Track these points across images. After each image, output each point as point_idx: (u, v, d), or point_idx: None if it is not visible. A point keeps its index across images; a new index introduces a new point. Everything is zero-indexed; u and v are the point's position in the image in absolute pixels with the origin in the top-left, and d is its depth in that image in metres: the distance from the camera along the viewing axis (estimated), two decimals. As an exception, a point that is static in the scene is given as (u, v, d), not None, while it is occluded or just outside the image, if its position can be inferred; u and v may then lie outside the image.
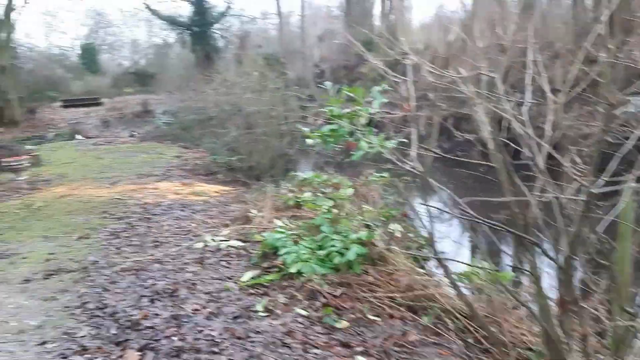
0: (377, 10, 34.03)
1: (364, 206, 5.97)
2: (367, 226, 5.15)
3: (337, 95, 4.86)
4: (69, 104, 31.22)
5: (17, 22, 27.92)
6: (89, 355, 3.45)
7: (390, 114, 5.16)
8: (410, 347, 3.63)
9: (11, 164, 11.19)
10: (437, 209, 3.94)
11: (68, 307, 4.26)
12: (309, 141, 6.82)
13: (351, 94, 4.80)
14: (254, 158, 11.13)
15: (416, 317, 4.07)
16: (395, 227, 5.21)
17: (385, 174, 5.68)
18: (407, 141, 5.00)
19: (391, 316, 4.10)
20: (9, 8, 25.85)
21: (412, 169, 3.42)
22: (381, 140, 4.70)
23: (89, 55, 48.35)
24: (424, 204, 3.89)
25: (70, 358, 3.41)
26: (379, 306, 4.22)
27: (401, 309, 4.19)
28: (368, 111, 4.75)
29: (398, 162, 3.63)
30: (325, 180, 5.61)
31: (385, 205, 6.60)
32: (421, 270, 5.05)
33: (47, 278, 4.92)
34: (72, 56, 54.26)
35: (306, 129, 5.29)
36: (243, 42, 33.66)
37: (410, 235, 6.37)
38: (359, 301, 4.26)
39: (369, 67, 28.22)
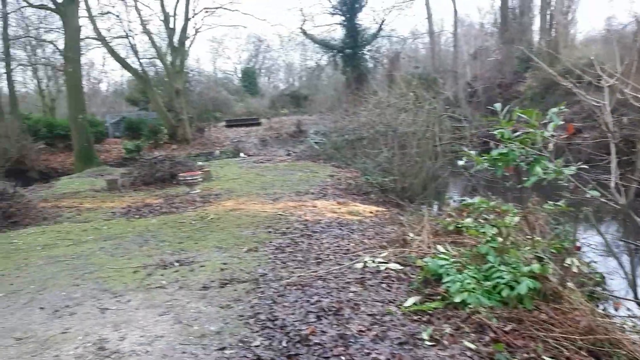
0: (536, 25, 32.12)
1: (534, 237, 5.59)
2: (539, 258, 4.80)
3: (507, 116, 4.66)
4: (232, 123, 33.94)
5: (189, 49, 31.08)
6: (264, 366, 3.63)
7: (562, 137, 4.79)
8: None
9: (187, 178, 12.40)
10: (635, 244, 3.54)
11: (242, 316, 4.55)
12: (460, 162, 6.59)
13: (524, 116, 4.57)
14: (407, 179, 11.07)
15: (600, 364, 3.68)
16: (573, 262, 4.79)
17: (562, 203, 5.27)
18: (587, 167, 4.62)
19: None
20: (183, 37, 28.95)
21: (608, 200, 3.11)
22: (559, 166, 4.39)
23: (249, 79, 52.38)
24: (624, 240, 3.53)
25: (247, 366, 3.63)
26: (555, 347, 3.89)
27: (581, 352, 3.82)
28: (543, 134, 4.48)
29: (595, 193, 3.32)
30: (492, 206, 5.36)
31: (555, 237, 6.12)
32: (601, 311, 4.59)
33: (222, 287, 5.32)
34: (234, 79, 59.27)
35: (472, 152, 5.14)
36: (393, 62, 33.90)
37: (584, 270, 5.85)
38: (532, 340, 3.97)
39: (527, 86, 26.82)
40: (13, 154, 22.46)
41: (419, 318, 4.39)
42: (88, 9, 25.90)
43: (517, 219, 5.62)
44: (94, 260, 6.67)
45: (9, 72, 27.50)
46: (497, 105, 4.82)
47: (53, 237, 8.23)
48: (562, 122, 4.52)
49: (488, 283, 4.67)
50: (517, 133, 4.62)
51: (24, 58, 33.70)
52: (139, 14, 29.00)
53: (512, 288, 4.46)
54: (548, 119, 4.53)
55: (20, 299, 5.35)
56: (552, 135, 4.51)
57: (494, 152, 4.70)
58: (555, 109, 4.54)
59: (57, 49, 28.31)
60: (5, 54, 27.24)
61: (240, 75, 57.39)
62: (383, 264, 5.76)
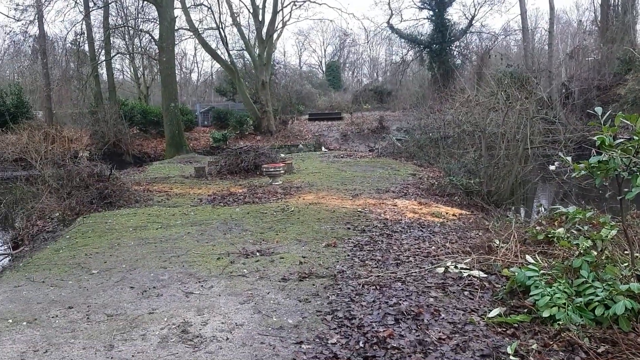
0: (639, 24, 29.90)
1: (634, 253, 5.17)
2: (639, 277, 4.44)
3: (608, 121, 4.33)
4: (314, 117, 34.30)
5: (276, 42, 31.68)
6: (340, 365, 3.61)
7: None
8: None
9: (269, 170, 12.67)
10: None
11: (320, 311, 4.56)
12: (552, 167, 6.20)
13: (627, 122, 4.23)
14: (493, 182, 10.64)
15: None
16: (678, 284, 4.38)
17: (667, 218, 4.84)
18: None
19: (670, 391, 3.44)
20: (271, 29, 29.54)
21: None
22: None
23: (333, 72, 52.73)
24: None
25: (324, 363, 3.62)
26: (655, 375, 3.58)
27: (684, 384, 3.48)
28: (648, 143, 4.12)
29: None
30: (589, 217, 5.02)
31: (658, 254, 5.64)
32: None
33: (301, 280, 5.37)
34: (318, 73, 59.89)
35: (568, 158, 4.83)
36: (483, 59, 32.77)
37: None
38: (629, 365, 3.67)
39: (628, 89, 25.01)
40: (110, 138, 23.98)
41: (504, 331, 4.19)
42: (182, 1, 27.07)
43: (614, 232, 5.23)
44: (180, 244, 6.96)
45: (108, 60, 29.34)
46: (598, 109, 4.49)
47: (144, 219, 8.69)
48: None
49: (580, 299, 4.37)
50: (619, 140, 4.28)
51: (122, 47, 35.91)
52: (230, 6, 29.98)
53: (607, 307, 4.15)
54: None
55: (112, 277, 5.67)
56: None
57: (593, 160, 4.39)
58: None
59: (153, 38, 29.88)
60: (105, 42, 29.07)
61: (324, 69, 57.91)
62: (466, 270, 5.57)
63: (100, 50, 30.14)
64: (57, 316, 4.57)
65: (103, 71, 31.81)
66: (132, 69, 39.82)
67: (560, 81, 29.05)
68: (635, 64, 25.33)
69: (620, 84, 25.86)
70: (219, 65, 33.81)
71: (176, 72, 26.12)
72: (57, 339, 4.08)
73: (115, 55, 32.92)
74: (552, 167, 5.84)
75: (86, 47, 29.90)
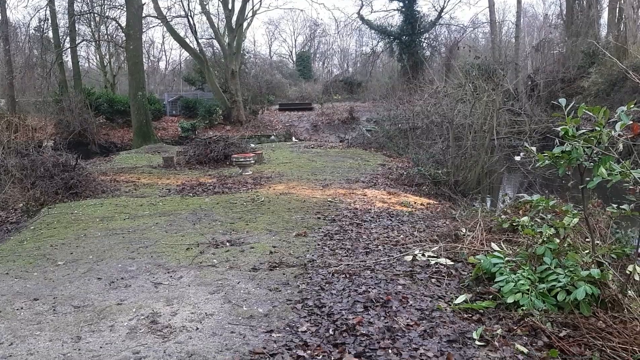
0: (603, 19, 30.68)
1: (594, 240, 5.35)
2: (599, 263, 4.60)
3: (572, 113, 4.46)
4: (285, 107, 34.17)
5: (246, 31, 31.36)
6: (310, 352, 3.64)
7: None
8: (655, 414, 3.12)
9: (239, 160, 12.60)
10: None
11: (290, 300, 4.58)
12: (517, 158, 6.35)
13: (590, 113, 4.37)
14: (460, 172, 10.83)
15: (661, 379, 3.50)
16: (635, 269, 4.56)
17: (626, 207, 5.01)
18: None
19: (627, 372, 3.59)
20: (241, 18, 29.21)
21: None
22: (626, 168, 4.18)
23: (304, 63, 52.54)
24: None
25: (294, 351, 3.65)
26: (612, 357, 3.72)
27: (641, 365, 3.64)
28: (610, 133, 4.26)
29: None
30: (552, 206, 5.16)
31: (616, 241, 5.86)
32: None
33: (271, 269, 5.38)
34: (289, 63, 59.59)
35: (532, 148, 4.96)
36: (452, 51, 33.15)
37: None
38: (588, 348, 3.81)
39: (591, 81, 25.66)
40: (76, 127, 23.42)
41: (469, 316, 4.30)
42: (150, -13, 26.50)
43: (576, 220, 5.41)
44: (149, 234, 6.88)
45: (73, 47, 28.56)
46: (562, 101, 4.62)
47: (111, 210, 8.55)
48: (630, 122, 4.29)
49: (543, 285, 4.51)
50: (582, 131, 4.42)
51: (88, 34, 34.99)
52: (199, -6, 29.46)
53: (568, 292, 4.30)
54: (616, 117, 4.30)
55: (79, 268, 5.58)
56: (620, 135, 4.29)
57: (557, 150, 4.51)
58: (624, 108, 4.31)
59: (120, 26, 29.19)
60: (70, 29, 28.28)
61: (294, 59, 57.64)
62: (433, 258, 5.67)
63: (65, 37, 29.30)
64: (22, 308, 4.48)
65: (68, 59, 30.97)
66: (98, 56, 38.86)
67: (526, 73, 29.62)
68: (598, 57, 26.00)
69: (584, 77, 26.50)
70: (188, 54, 33.28)
71: (144, 60, 25.60)
72: (22, 331, 4.01)
73: (80, 42, 32.06)
74: (517, 158, 5.98)
75: (50, 34, 29.00)
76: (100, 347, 3.71)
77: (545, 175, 10.61)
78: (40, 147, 13.26)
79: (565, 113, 4.45)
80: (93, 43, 36.48)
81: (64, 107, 24.33)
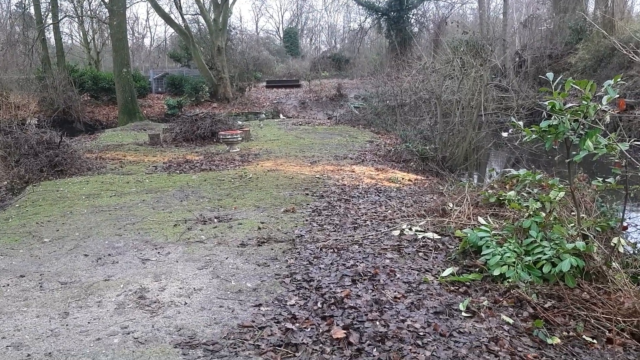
0: (591, -5, 30.61)
1: (580, 214, 5.41)
2: (584, 236, 4.66)
3: (559, 87, 4.46)
4: (272, 84, 33.86)
5: (232, 6, 30.81)
6: (299, 324, 3.67)
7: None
8: (636, 380, 3.20)
9: (227, 137, 12.50)
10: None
11: (278, 275, 4.60)
12: (504, 134, 6.35)
13: (577, 87, 4.37)
14: (448, 149, 10.85)
15: (642, 347, 3.58)
16: (619, 241, 4.63)
17: (611, 180, 5.06)
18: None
19: (610, 341, 3.66)
20: (227, -7, 28.66)
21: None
22: (612, 140, 4.21)
23: (291, 39, 51.92)
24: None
25: (282, 324, 3.67)
26: (596, 327, 3.80)
27: (623, 334, 3.72)
28: (597, 107, 4.28)
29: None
30: (538, 180, 5.19)
31: (601, 215, 5.93)
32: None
33: (259, 245, 5.38)
34: (276, 39, 58.92)
35: (519, 122, 4.97)
36: (440, 27, 32.96)
37: (630, 250, 5.67)
38: (572, 318, 3.88)
39: (578, 57, 25.69)
40: (60, 105, 23.05)
41: (456, 289, 4.35)
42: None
43: (562, 194, 5.45)
44: (135, 211, 6.84)
45: (55, 23, 27.93)
46: (549, 75, 4.62)
47: (97, 187, 8.47)
48: (617, 96, 4.31)
49: (529, 258, 4.57)
50: (569, 105, 4.43)
51: (70, 10, 34.23)
52: (184, -31, 28.82)
53: (554, 265, 4.35)
54: (603, 91, 4.32)
55: (65, 245, 5.54)
56: (606, 110, 4.31)
57: (544, 124, 4.53)
58: (610, 81, 4.32)
59: (103, 1, 28.58)
60: (52, 5, 27.63)
61: (282, 36, 56.97)
62: (421, 233, 5.71)
63: (47, 13, 28.62)
64: (8, 285, 4.45)
65: (51, 36, 30.31)
66: (81, 33, 38.08)
67: (514, 50, 29.54)
68: (585, 33, 25.99)
69: (571, 53, 26.49)
70: (173, 31, 32.73)
71: (128, 37, 25.12)
72: (9, 307, 3.98)
73: (63, 18, 31.40)
74: (504, 134, 5.99)
75: (32, 10, 28.35)
76: (88, 323, 3.70)
77: (532, 150, 10.68)
78: (24, 125, 13.03)
79: (553, 87, 4.46)
80: (76, 19, 35.73)
81: (48, 85, 23.89)
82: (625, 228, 5.83)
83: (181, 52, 36.67)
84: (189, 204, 7.20)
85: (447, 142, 10.94)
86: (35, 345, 3.38)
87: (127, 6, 24.13)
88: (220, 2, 28.59)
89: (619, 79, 4.35)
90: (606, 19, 25.13)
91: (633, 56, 4.36)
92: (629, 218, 7.59)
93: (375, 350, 3.30)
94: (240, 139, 12.86)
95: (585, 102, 4.28)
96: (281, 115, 24.58)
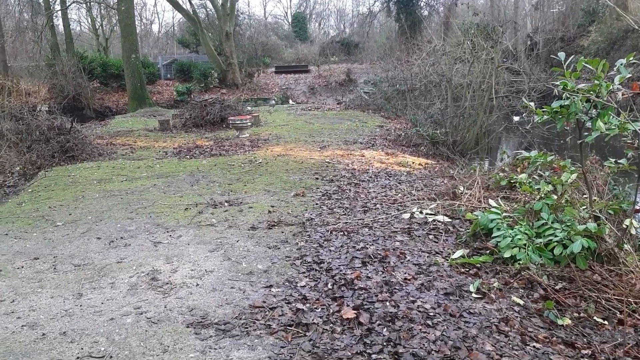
0: (605, -25, 30.05)
1: (592, 196, 5.37)
2: (596, 217, 4.63)
3: (571, 67, 4.41)
4: (281, 70, 33.74)
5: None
6: (309, 305, 3.69)
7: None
8: (646, 360, 3.19)
9: (236, 122, 12.51)
10: None
11: (289, 257, 4.62)
12: (516, 118, 6.29)
13: (590, 66, 4.32)
14: (459, 133, 10.78)
15: (654, 328, 3.56)
16: (632, 223, 4.59)
17: (624, 161, 5.01)
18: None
19: (621, 322, 3.65)
20: (234, -22, 28.44)
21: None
22: (623, 122, 4.15)
23: (299, 24, 51.57)
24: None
25: (293, 304, 3.69)
26: (607, 309, 3.79)
27: (635, 315, 3.70)
28: (609, 87, 4.22)
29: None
30: (550, 161, 5.15)
31: (613, 197, 5.88)
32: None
33: (270, 228, 5.41)
34: (284, 24, 58.58)
35: (531, 103, 4.92)
36: (450, 10, 32.59)
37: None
38: (583, 299, 3.87)
39: (591, 40, 25.34)
40: (70, 92, 23.14)
41: (466, 271, 4.35)
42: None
43: (574, 176, 5.41)
44: (147, 196, 6.89)
45: (64, 9, 27.92)
46: (561, 55, 4.57)
47: (108, 172, 8.53)
48: (629, 75, 4.25)
49: (540, 240, 4.55)
50: (581, 85, 4.38)
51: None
52: (192, -47, 28.66)
53: (565, 246, 4.33)
54: (615, 71, 4.26)
55: (78, 228, 5.60)
56: (619, 89, 4.25)
57: (555, 104, 4.48)
58: (623, 60, 4.26)
59: (111, -14, 28.55)
60: (60, -9, 27.61)
61: (290, 21, 56.60)
62: (431, 216, 5.70)
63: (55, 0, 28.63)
64: (22, 267, 4.51)
65: (59, 23, 30.32)
66: (89, 19, 38.07)
67: (525, 33, 29.17)
68: (598, 15, 25.60)
69: (583, 36, 26.15)
70: (181, 16, 32.65)
71: (136, 23, 25.09)
72: (23, 288, 4.04)
73: (71, 4, 31.32)
74: (516, 118, 5.96)
75: (40, -3, 28.37)
76: (102, 303, 3.76)
77: (543, 134, 10.58)
78: (35, 112, 13.11)
79: (565, 67, 4.40)
80: (84, 5, 35.67)
81: (57, 72, 23.95)
82: (638, 211, 5.78)
83: (189, 38, 36.60)
84: (199, 189, 7.23)
85: (457, 126, 10.86)
86: (50, 325, 3.43)
87: (135, -8, 24.08)
88: (228, -12, 28.44)
89: (631, 58, 4.28)
90: (619, 1, 24.73)
91: None
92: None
93: (385, 330, 3.32)
94: (249, 124, 12.86)
95: (598, 82, 4.23)
96: (290, 101, 24.53)
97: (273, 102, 24.15)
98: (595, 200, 5.45)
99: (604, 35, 24.48)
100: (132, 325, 3.41)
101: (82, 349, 3.14)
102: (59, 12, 28.11)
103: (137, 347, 3.14)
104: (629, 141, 4.38)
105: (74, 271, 4.39)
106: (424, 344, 3.16)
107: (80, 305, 3.72)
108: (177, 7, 29.25)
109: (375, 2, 39.13)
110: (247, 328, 3.39)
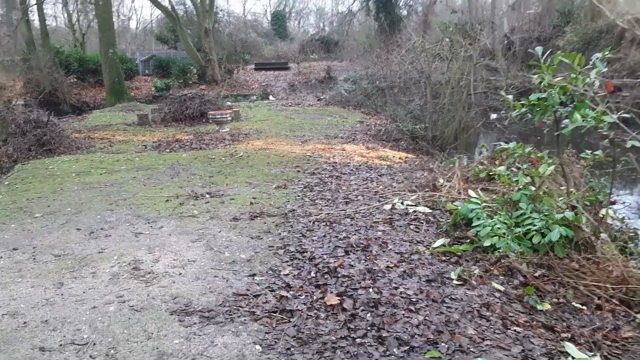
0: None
1: (568, 188, 5.49)
2: (573, 207, 4.73)
3: (548, 61, 4.50)
4: (261, 67, 33.55)
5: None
6: (293, 292, 3.71)
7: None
8: (623, 343, 3.28)
9: (216, 116, 12.43)
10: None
11: (272, 246, 4.63)
12: (493, 116, 6.38)
13: (566, 60, 4.42)
14: (438, 128, 10.90)
15: (630, 312, 3.66)
16: (607, 212, 4.71)
17: (599, 153, 5.13)
18: (627, 116, 4.45)
19: (599, 307, 3.74)
20: (213, -26, 28.20)
21: None
22: (600, 114, 4.25)
23: (279, 22, 51.38)
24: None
25: (277, 292, 3.71)
26: (586, 295, 3.88)
27: (612, 300, 3.80)
28: (585, 80, 4.33)
29: (636, 142, 3.23)
30: (528, 152, 5.25)
31: (590, 189, 6.01)
32: (634, 264, 4.54)
33: (252, 219, 5.40)
34: (264, 22, 58.33)
35: (509, 96, 5.00)
36: (429, 9, 32.86)
37: (617, 225, 5.78)
38: (562, 286, 3.96)
39: (566, 40, 25.80)
40: (46, 87, 22.72)
41: (447, 259, 4.41)
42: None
43: (552, 168, 5.52)
44: (127, 188, 6.82)
45: (39, 4, 27.38)
46: (538, 49, 4.66)
47: (87, 165, 8.41)
48: (605, 70, 4.36)
49: (519, 229, 4.63)
50: (558, 78, 4.48)
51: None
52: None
53: (543, 235, 4.43)
54: (591, 64, 4.37)
55: (57, 219, 5.52)
56: (595, 82, 4.36)
57: (533, 96, 4.58)
58: (599, 54, 4.37)
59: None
60: (35, -16, 27.07)
61: (269, 18, 56.38)
62: (412, 207, 5.76)
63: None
64: (1, 257, 4.43)
65: (35, 18, 29.71)
66: (65, 14, 37.39)
67: (502, 32, 29.57)
68: (573, 16, 26.09)
69: (559, 36, 26.58)
70: (159, 12, 32.28)
71: (114, 19, 24.76)
72: (2, 278, 3.98)
73: (46, -2, 30.76)
74: (493, 116, 6.05)
75: (14, -9, 27.76)
76: (83, 292, 3.72)
77: (521, 130, 10.77)
78: (10, 105, 12.85)
79: (542, 61, 4.50)
80: (60, 0, 35.06)
81: (33, 66, 23.50)
82: (614, 203, 5.93)
83: (168, 34, 36.16)
84: (180, 181, 7.19)
85: (437, 122, 10.99)
86: (31, 314, 3.39)
87: (112, -14, 23.75)
88: (207, -17, 28.18)
89: (607, 52, 4.40)
90: (593, 2, 25.24)
91: (632, 28, 4.44)
92: (617, 196, 7.72)
93: (369, 315, 3.35)
94: (230, 118, 12.80)
95: (574, 75, 4.33)
96: (270, 97, 24.45)
97: (254, 97, 24.03)
98: (572, 191, 5.57)
99: (579, 35, 24.96)
100: (115, 313, 3.39)
101: (64, 336, 3.11)
102: (35, 7, 27.56)
103: (120, 334, 3.12)
104: (604, 132, 4.49)
105: (54, 261, 4.33)
106: (407, 328, 3.20)
107: (62, 295, 3.68)
108: (156, 3, 28.88)
109: (354, 1, 39.13)
110: (231, 315, 3.40)
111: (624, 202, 7.16)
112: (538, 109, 4.64)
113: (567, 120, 4.37)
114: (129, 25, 51.66)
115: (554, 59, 4.46)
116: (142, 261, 4.30)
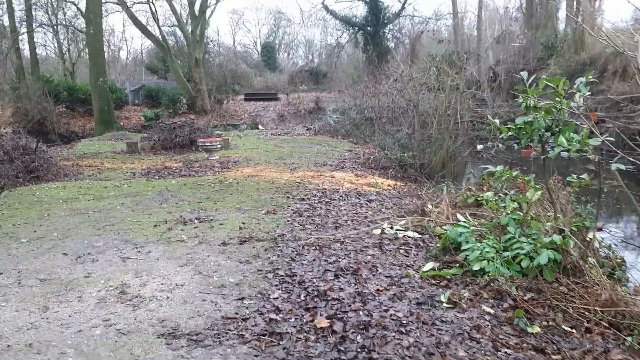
0: (562, 13, 31.55)
1: (556, 213, 5.54)
2: (560, 230, 4.77)
3: (534, 86, 4.61)
4: (250, 97, 33.83)
5: (209, 19, 30.81)
6: (282, 315, 3.68)
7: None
8: (613, 365, 3.28)
9: (206, 144, 12.46)
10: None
11: (261, 270, 4.60)
12: (479, 146, 6.47)
13: (551, 84, 4.53)
14: (425, 156, 11.01)
15: (620, 335, 3.67)
16: (595, 237, 4.76)
17: (584, 177, 5.20)
18: (612, 139, 4.55)
19: (588, 330, 3.75)
20: (204, 5, 28.66)
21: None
22: (585, 136, 4.34)
23: (269, 53, 52.09)
24: None
25: (266, 315, 3.67)
26: (575, 318, 3.89)
27: (602, 324, 3.81)
28: (569, 104, 4.44)
29: (620, 166, 3.29)
30: (515, 176, 5.30)
31: (577, 215, 6.07)
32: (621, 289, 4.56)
33: (241, 244, 5.38)
34: (253, 53, 59.07)
35: (496, 120, 5.08)
36: (416, 40, 33.54)
37: (605, 251, 5.83)
38: (551, 309, 3.97)
39: (550, 73, 26.38)
40: (34, 116, 22.67)
41: (437, 282, 4.41)
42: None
43: (539, 193, 5.58)
44: (115, 214, 6.77)
45: (30, 32, 27.55)
46: (524, 74, 4.79)
47: (74, 192, 8.35)
48: (588, 93, 4.47)
49: (507, 254, 4.66)
50: (544, 102, 4.58)
51: (45, 20, 33.80)
52: (161, -20, 28.78)
53: (532, 259, 4.45)
54: (575, 89, 4.49)
55: (43, 244, 5.45)
56: (579, 105, 4.48)
57: (519, 120, 4.67)
58: (582, 79, 4.50)
59: (79, 10, 28.34)
60: (26, 14, 27.28)
61: (259, 50, 57.13)
62: (401, 232, 5.78)
63: (21, 23, 28.28)
64: (-16, 282, 4.36)
65: (25, 47, 29.85)
66: (56, 43, 37.62)
67: (487, 65, 30.17)
68: (557, 49, 26.74)
69: (543, 69, 27.16)
70: (150, 43, 32.58)
71: (104, 48, 24.93)
72: (-14, 302, 3.90)
73: (38, 27, 30.99)
74: (479, 147, 6.13)
75: (5, 19, 27.95)
76: (69, 316, 3.66)
77: (507, 160, 10.89)
78: (-2, 132, 12.78)
79: (527, 85, 4.61)
80: (51, 29, 35.29)
81: (22, 95, 23.48)
82: (600, 229, 5.98)
83: (158, 64, 36.44)
84: (168, 207, 7.15)
85: (424, 150, 11.10)
86: (16, 337, 3.32)
87: (103, 16, 24.01)
88: (197, 14, 28.57)
89: (590, 76, 4.52)
90: (576, 36, 25.94)
91: (624, 51, 4.57)
92: (603, 224, 7.78)
93: (359, 337, 3.33)
94: (219, 146, 12.83)
95: (559, 99, 4.44)
96: (260, 127, 24.59)
97: (243, 126, 24.14)
98: (559, 217, 5.62)
99: (562, 68, 25.52)
100: (101, 337, 3.33)
101: (48, 359, 3.04)
102: (25, 36, 27.72)
103: (106, 357, 3.07)
104: (590, 155, 4.57)
105: (39, 285, 4.26)
106: (398, 350, 3.18)
107: (47, 318, 3.61)
108: (147, 33, 29.19)
109: (343, 33, 39.83)
110: (219, 338, 3.35)
111: (610, 232, 7.24)
112: (524, 133, 4.72)
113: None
114: (120, 56, 52.05)
115: (540, 84, 4.57)
116: (130, 285, 4.25)
